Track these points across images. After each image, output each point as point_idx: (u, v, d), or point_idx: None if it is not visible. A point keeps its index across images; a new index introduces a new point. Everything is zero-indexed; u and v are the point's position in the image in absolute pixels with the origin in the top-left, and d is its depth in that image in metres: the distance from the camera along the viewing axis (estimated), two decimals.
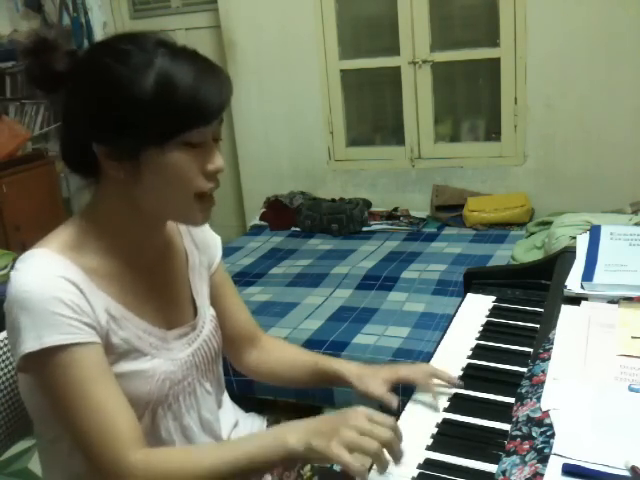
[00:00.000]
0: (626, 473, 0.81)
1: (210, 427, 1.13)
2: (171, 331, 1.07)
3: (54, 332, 0.90)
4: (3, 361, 1.19)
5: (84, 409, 0.92)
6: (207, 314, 1.15)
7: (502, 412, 1.03)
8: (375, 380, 1.15)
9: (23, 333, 0.90)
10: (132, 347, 0.99)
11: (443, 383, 1.14)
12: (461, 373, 1.18)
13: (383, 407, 1.10)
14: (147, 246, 1.05)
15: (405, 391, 1.18)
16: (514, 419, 0.96)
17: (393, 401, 1.09)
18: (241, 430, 1.24)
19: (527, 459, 0.86)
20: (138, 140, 0.91)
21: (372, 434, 0.88)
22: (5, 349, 1.19)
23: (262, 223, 3.88)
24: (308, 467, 1.20)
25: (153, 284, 1.06)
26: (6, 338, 1.20)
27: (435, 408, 1.10)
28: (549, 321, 1.20)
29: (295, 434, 0.91)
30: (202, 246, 1.19)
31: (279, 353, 1.29)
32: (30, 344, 0.90)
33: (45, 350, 0.90)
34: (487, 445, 0.98)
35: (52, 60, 0.94)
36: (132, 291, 1.02)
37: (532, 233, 3.21)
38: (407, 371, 1.16)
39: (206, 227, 1.21)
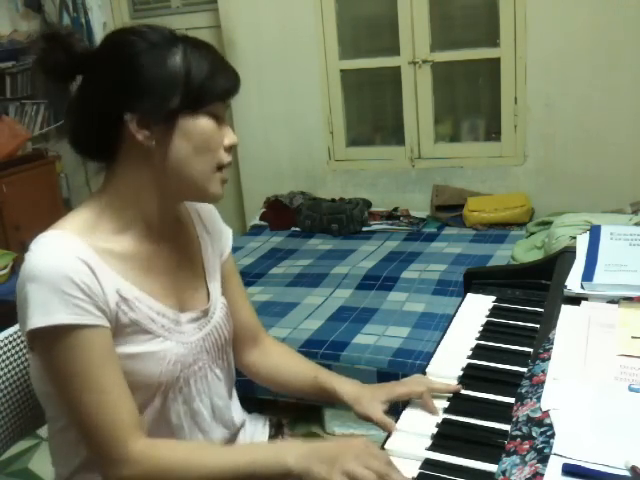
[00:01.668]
0: (626, 473, 0.81)
1: (221, 414, 1.15)
2: (184, 314, 1.08)
3: (62, 311, 0.91)
4: (3, 361, 1.19)
5: (86, 391, 0.93)
6: (219, 301, 1.17)
7: (502, 412, 1.03)
8: (373, 403, 1.14)
9: (32, 309, 0.92)
10: (142, 329, 1.01)
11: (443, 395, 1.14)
12: (461, 373, 1.18)
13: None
14: (161, 228, 1.07)
15: None
16: (514, 419, 0.96)
17: (391, 426, 1.07)
18: (247, 429, 1.25)
19: (527, 459, 0.86)
20: (174, 107, 0.97)
21: (370, 467, 0.90)
22: (5, 349, 1.20)
23: (262, 223, 3.88)
24: None
25: (167, 267, 1.08)
26: (6, 338, 1.21)
27: (437, 407, 1.10)
28: (549, 321, 1.20)
29: (296, 456, 0.93)
30: (214, 234, 1.21)
31: (280, 359, 1.28)
32: (38, 319, 0.91)
33: (52, 328, 0.91)
34: (487, 445, 0.98)
35: (72, 43, 0.99)
36: (146, 272, 1.04)
37: (532, 233, 3.21)
38: (404, 389, 1.14)
39: (218, 218, 1.24)
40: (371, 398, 1.15)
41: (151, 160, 0.99)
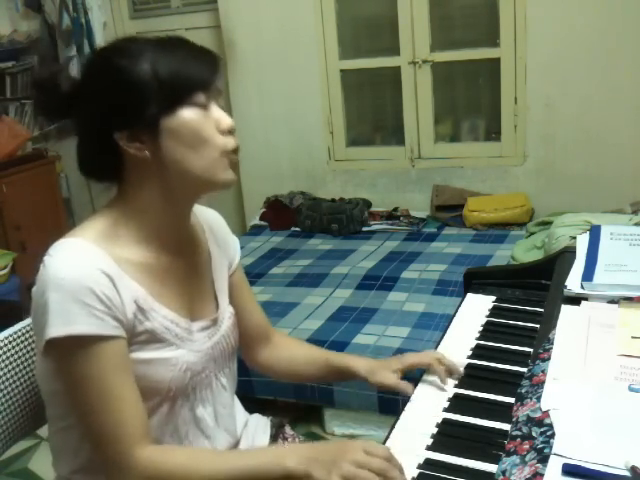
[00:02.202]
0: (626, 473, 0.81)
1: (224, 422, 1.16)
2: (195, 323, 1.10)
3: (82, 322, 0.93)
4: (3, 361, 1.19)
5: (99, 400, 0.95)
6: (227, 310, 1.18)
7: (502, 412, 1.03)
8: (386, 372, 1.21)
9: (51, 318, 0.93)
10: (156, 337, 1.02)
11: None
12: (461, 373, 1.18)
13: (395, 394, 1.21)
14: (176, 234, 1.09)
15: None
16: (514, 419, 0.96)
17: (408, 388, 1.17)
18: (249, 429, 1.26)
19: (527, 459, 0.86)
20: (151, 113, 0.97)
21: (369, 466, 0.91)
22: (5, 349, 1.20)
23: (262, 223, 3.88)
24: None
25: (181, 276, 1.09)
26: (6, 338, 1.21)
27: (442, 391, 1.14)
28: (549, 321, 1.20)
29: (295, 458, 0.94)
30: (223, 246, 1.22)
31: (292, 351, 1.33)
32: (57, 329, 0.92)
33: (70, 337, 0.93)
34: (487, 445, 0.98)
35: (58, 84, 1.02)
36: (162, 281, 1.05)
37: (532, 233, 3.21)
38: (415, 358, 1.22)
39: (226, 228, 1.26)
40: (383, 368, 1.22)
41: (153, 170, 1.00)
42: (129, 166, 1.02)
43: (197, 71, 0.99)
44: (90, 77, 1.02)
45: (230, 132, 1.02)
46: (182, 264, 1.10)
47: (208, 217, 1.22)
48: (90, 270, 0.94)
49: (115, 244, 1.01)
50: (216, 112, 1.02)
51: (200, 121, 0.99)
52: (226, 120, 1.02)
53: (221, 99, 1.05)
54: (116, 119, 0.98)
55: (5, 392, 1.18)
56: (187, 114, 0.98)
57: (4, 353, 1.19)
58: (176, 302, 1.07)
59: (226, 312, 1.18)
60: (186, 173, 1.00)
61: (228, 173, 1.02)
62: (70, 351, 0.94)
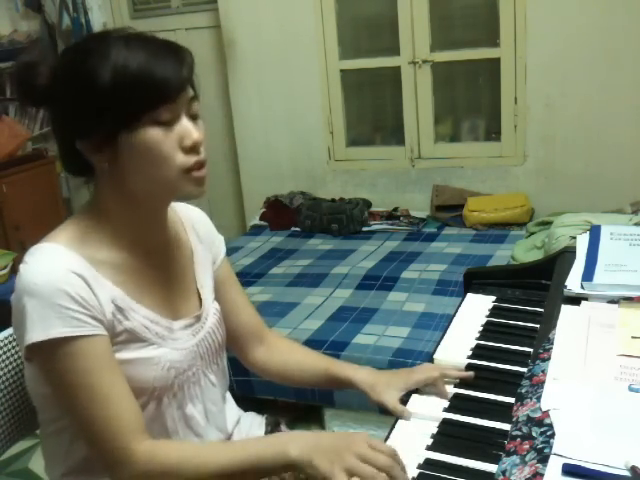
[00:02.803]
0: (626, 473, 0.81)
1: (214, 419, 1.15)
2: (177, 321, 1.09)
3: (60, 324, 0.92)
4: (3, 361, 1.19)
5: (88, 399, 0.94)
6: (211, 307, 1.17)
7: (502, 412, 1.03)
8: (389, 390, 1.15)
9: (30, 323, 0.92)
10: (137, 337, 1.02)
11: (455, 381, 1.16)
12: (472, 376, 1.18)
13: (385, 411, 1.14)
14: (150, 235, 1.07)
15: None
16: (514, 419, 0.96)
17: (405, 413, 1.10)
18: (242, 427, 1.25)
19: (527, 459, 0.86)
20: (110, 127, 0.94)
21: (373, 462, 0.90)
22: (5, 349, 1.20)
23: (262, 223, 3.87)
24: None
25: (159, 275, 1.08)
26: (6, 338, 1.21)
27: (438, 407, 1.11)
28: (549, 321, 1.20)
29: (298, 446, 0.94)
30: (206, 242, 1.21)
31: (287, 354, 1.30)
32: (36, 334, 0.92)
33: (50, 341, 0.92)
34: (487, 445, 0.98)
35: (36, 75, 0.98)
36: (139, 281, 1.04)
37: (532, 233, 3.21)
38: (420, 376, 1.16)
39: (211, 226, 1.25)
40: (387, 385, 1.16)
41: (116, 179, 0.99)
42: (96, 171, 1.01)
43: (161, 82, 0.93)
44: (59, 76, 0.99)
45: (194, 148, 0.97)
46: (160, 263, 1.09)
47: (191, 215, 1.21)
48: (63, 273, 0.94)
49: (88, 246, 1.00)
50: (181, 126, 0.96)
51: (160, 139, 0.94)
52: (190, 136, 0.96)
53: (196, 103, 0.99)
54: (78, 128, 0.97)
55: (5, 392, 1.18)
56: (146, 134, 0.94)
57: (4, 353, 1.19)
58: (156, 301, 1.06)
59: (210, 309, 1.17)
60: (145, 186, 0.99)
61: (192, 188, 0.99)
62: (52, 355, 0.94)
